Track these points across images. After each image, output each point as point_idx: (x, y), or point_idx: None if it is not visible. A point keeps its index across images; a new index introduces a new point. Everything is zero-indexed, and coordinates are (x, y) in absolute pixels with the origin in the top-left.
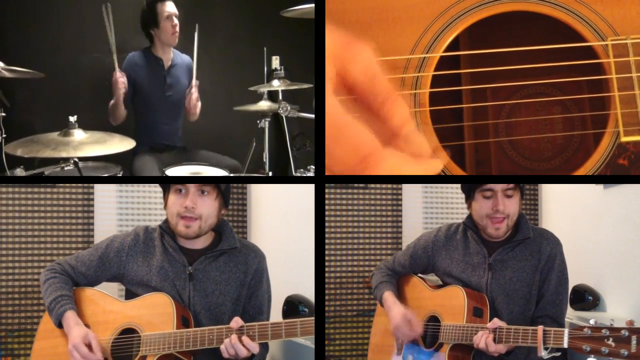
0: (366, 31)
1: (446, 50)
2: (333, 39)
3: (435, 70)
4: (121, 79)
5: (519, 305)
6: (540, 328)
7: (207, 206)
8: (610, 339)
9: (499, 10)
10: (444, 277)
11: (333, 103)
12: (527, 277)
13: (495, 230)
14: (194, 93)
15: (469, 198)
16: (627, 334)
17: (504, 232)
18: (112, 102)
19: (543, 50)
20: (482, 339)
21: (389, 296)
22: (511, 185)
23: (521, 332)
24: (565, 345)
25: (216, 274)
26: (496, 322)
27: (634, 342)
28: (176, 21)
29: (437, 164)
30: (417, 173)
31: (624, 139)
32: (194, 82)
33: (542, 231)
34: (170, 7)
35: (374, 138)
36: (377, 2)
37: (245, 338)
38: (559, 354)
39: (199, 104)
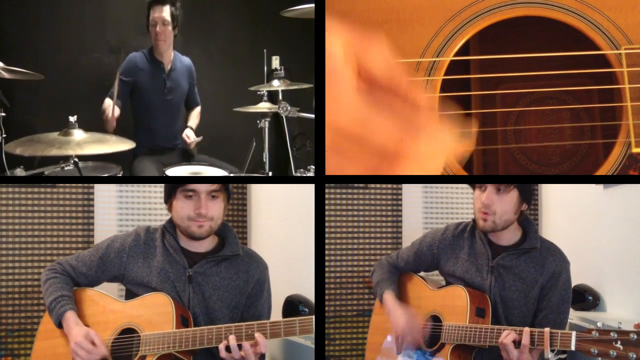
0: (377, 32)
1: (456, 54)
2: (344, 35)
3: (445, 74)
4: (115, 110)
5: (513, 315)
6: (547, 330)
7: (217, 208)
8: (619, 342)
9: (510, 15)
10: (448, 276)
11: (358, 93)
12: (525, 289)
13: (482, 221)
14: (191, 137)
15: (473, 189)
16: (635, 337)
17: (489, 225)
18: (104, 107)
19: (554, 56)
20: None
21: (389, 298)
22: (502, 185)
23: (533, 334)
24: (573, 348)
25: (216, 279)
26: (510, 336)
27: None
28: (160, 28)
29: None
30: (453, 146)
31: (635, 149)
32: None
33: (551, 246)
34: (156, 13)
35: (404, 125)
36: (388, 3)
37: (258, 334)
38: (564, 356)
39: (194, 142)
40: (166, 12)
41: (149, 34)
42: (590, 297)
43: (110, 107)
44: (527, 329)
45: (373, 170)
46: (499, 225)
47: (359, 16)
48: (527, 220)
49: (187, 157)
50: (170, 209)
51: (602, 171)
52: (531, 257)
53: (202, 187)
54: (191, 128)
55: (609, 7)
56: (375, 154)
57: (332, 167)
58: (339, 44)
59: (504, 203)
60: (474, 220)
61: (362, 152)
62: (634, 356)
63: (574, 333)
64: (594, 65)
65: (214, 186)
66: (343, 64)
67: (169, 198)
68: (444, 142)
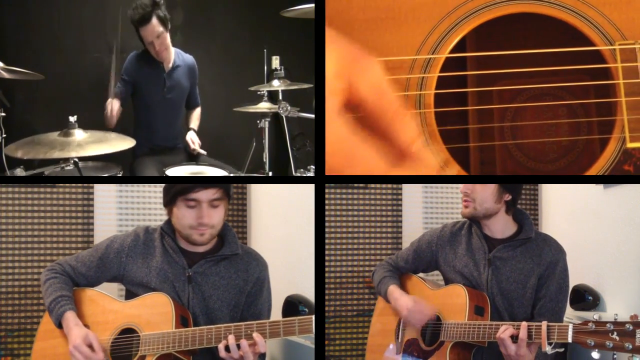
0: (372, 30)
1: (452, 51)
2: (340, 51)
3: (441, 71)
4: (113, 107)
5: (512, 307)
6: (544, 323)
7: (218, 216)
8: (615, 333)
9: (506, 12)
10: (447, 272)
11: (343, 124)
12: (523, 279)
13: (464, 207)
14: (195, 142)
15: None
16: (631, 327)
17: (469, 212)
18: (106, 108)
19: (550, 52)
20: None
21: (394, 289)
22: None
23: (530, 328)
24: (570, 340)
25: (215, 279)
26: (508, 331)
27: (638, 335)
28: (158, 45)
29: (449, 172)
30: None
31: (630, 145)
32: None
33: (547, 237)
34: (147, 32)
35: (383, 161)
36: (383, 1)
37: (256, 334)
38: (562, 349)
39: (198, 145)
40: (155, 25)
41: (147, 49)
42: (590, 297)
43: (110, 105)
44: (524, 324)
45: None
46: (479, 212)
47: (356, 14)
48: (522, 214)
49: (189, 158)
50: (169, 213)
51: (597, 166)
52: (527, 248)
53: (204, 197)
54: (194, 130)
55: (604, 3)
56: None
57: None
58: (333, 59)
59: (481, 191)
60: (470, 219)
61: (349, 172)
62: (630, 346)
63: (570, 325)
64: (589, 61)
65: (215, 195)
66: (334, 81)
67: (168, 203)
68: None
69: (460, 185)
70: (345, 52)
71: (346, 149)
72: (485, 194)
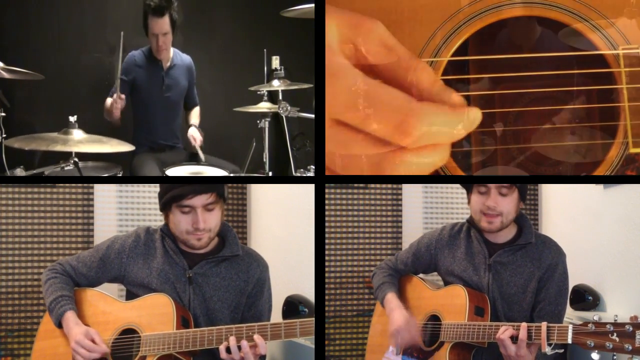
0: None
1: (454, 54)
2: (340, 20)
3: (443, 74)
4: (117, 105)
5: (513, 311)
6: (544, 324)
7: (214, 219)
8: (615, 334)
9: (509, 15)
10: (446, 275)
11: (357, 74)
12: (524, 283)
13: (487, 224)
14: (196, 136)
15: (469, 192)
16: (631, 329)
17: (497, 227)
18: (107, 103)
19: (552, 56)
20: (509, 343)
21: (392, 298)
22: (506, 184)
23: (530, 329)
24: (570, 341)
25: (216, 280)
26: (508, 332)
27: (638, 337)
28: (161, 42)
29: (475, 112)
30: (456, 125)
31: (632, 150)
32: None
33: (546, 239)
34: (156, 25)
35: (406, 96)
36: (384, 2)
37: (257, 336)
38: (562, 350)
39: (200, 141)
40: (166, 23)
41: (149, 40)
42: (590, 297)
43: (112, 102)
44: (524, 324)
45: (378, 148)
46: (505, 225)
47: None
48: (522, 217)
49: (189, 157)
50: (166, 218)
51: (600, 171)
52: (527, 251)
53: (198, 202)
54: (195, 126)
55: (607, 7)
56: (380, 135)
57: (332, 159)
58: (335, 28)
59: (507, 204)
60: (467, 222)
61: (364, 138)
62: (630, 347)
63: (570, 326)
64: (592, 65)
65: (210, 199)
66: (338, 45)
67: (163, 209)
68: (445, 114)
69: (482, 198)
70: (346, 19)
71: (371, 93)
72: (510, 206)
